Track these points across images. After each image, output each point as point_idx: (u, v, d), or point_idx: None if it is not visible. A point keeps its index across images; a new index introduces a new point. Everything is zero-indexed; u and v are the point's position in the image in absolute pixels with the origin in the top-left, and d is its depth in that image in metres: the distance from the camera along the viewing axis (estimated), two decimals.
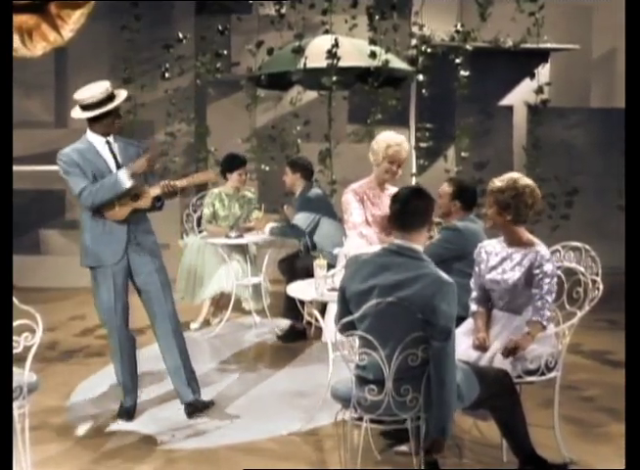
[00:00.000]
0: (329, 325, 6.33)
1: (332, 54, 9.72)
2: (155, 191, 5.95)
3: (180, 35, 11.35)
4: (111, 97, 5.94)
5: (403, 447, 5.30)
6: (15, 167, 11.54)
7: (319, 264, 5.97)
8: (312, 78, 10.13)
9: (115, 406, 6.46)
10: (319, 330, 8.19)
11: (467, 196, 6.31)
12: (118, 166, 6.00)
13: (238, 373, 7.53)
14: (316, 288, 5.97)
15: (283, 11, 10.97)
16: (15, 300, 4.62)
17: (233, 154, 9.17)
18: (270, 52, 10.75)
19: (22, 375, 4.71)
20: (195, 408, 6.32)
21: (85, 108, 5.94)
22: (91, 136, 6.06)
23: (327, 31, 10.46)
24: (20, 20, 10.81)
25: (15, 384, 4.63)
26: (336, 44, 9.73)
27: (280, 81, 10.68)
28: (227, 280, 8.61)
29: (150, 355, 7.87)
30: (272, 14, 11.15)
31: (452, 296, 4.40)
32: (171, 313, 6.26)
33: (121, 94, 6.04)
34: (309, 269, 8.09)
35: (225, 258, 8.60)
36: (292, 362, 7.80)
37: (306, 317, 8.36)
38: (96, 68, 12.63)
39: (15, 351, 4.54)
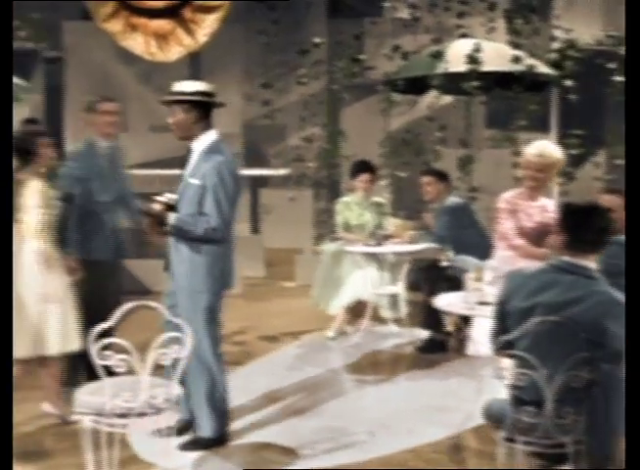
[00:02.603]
0: (475, 338, 6.12)
1: (473, 59, 9.52)
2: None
3: (317, 40, 11.26)
4: (188, 94, 5.57)
5: None
6: (150, 171, 11.76)
7: (471, 277, 5.76)
8: (450, 83, 9.94)
9: (259, 415, 6.42)
10: (460, 342, 7.98)
11: None
12: (182, 177, 5.71)
13: (375, 385, 7.37)
14: (466, 301, 5.76)
15: (418, 14, 10.85)
16: (165, 311, 4.57)
17: (360, 160, 9.06)
18: (405, 56, 10.62)
19: (170, 387, 4.65)
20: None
21: None
22: None
23: (464, 35, 10.31)
24: (156, 25, 10.96)
25: (164, 396, 4.57)
26: (477, 49, 9.52)
27: (416, 86, 10.51)
28: (364, 288, 8.48)
29: (277, 368, 7.82)
30: (405, 17, 11.03)
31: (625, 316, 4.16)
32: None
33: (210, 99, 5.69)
34: (450, 279, 7.96)
35: (363, 265, 8.47)
36: (431, 375, 7.59)
37: (447, 328, 8.17)
38: (229, 71, 12.73)
39: (164, 363, 4.51)
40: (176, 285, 5.65)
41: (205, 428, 5.78)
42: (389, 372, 7.75)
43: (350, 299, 8.58)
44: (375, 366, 7.95)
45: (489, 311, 5.17)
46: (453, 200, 8.38)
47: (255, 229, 12.52)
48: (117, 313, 4.52)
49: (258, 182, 13.19)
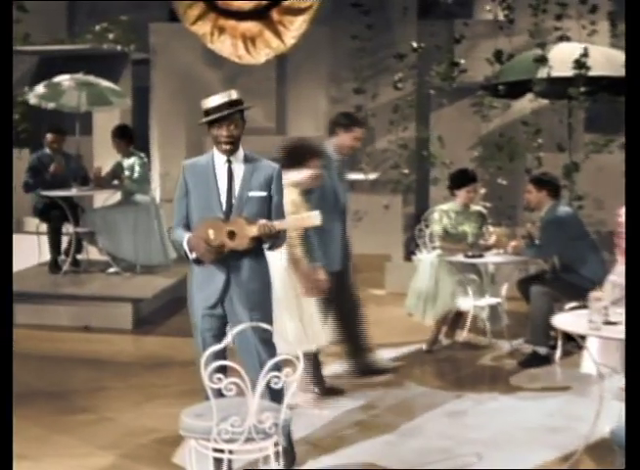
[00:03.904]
0: (591, 355, 5.82)
1: (580, 64, 9.23)
2: (252, 231, 4.99)
3: (415, 44, 11.02)
4: (231, 104, 5.10)
5: None
6: None
7: (596, 297, 5.43)
8: (551, 87, 9.64)
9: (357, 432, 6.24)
10: (567, 355, 7.73)
11: None
12: (230, 193, 5.16)
13: (476, 401, 7.03)
14: (591, 320, 5.42)
15: (512, 16, 10.60)
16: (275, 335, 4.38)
17: (463, 169, 8.78)
18: (499, 59, 10.34)
19: (278, 411, 4.43)
20: None
21: (206, 114, 5.16)
22: (215, 152, 5.24)
23: (561, 38, 10.05)
24: (243, 27, 10.80)
25: (272, 421, 4.35)
26: (585, 54, 9.23)
27: (515, 90, 10.22)
28: (463, 299, 8.20)
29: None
30: (500, 19, 10.76)
31: None
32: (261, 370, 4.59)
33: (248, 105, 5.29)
34: (553, 293, 7.66)
35: (462, 276, 8.19)
36: (536, 391, 7.26)
37: (552, 341, 7.86)
38: (315, 74, 12.54)
39: (275, 386, 4.32)
40: (240, 305, 5.16)
41: None
42: (490, 387, 7.45)
43: (448, 310, 8.29)
44: (474, 381, 7.67)
45: (617, 332, 4.90)
46: (563, 209, 8.04)
47: None
48: (229, 337, 4.35)
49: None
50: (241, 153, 5.20)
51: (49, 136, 10.69)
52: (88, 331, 9.29)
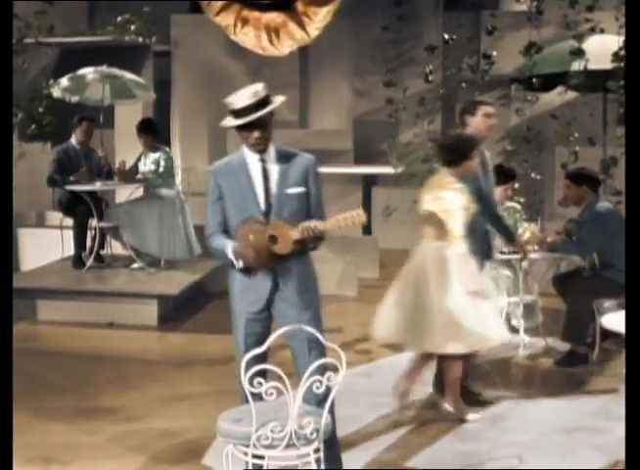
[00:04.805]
0: None
1: (619, 57, 9.07)
2: (294, 234, 4.75)
3: (447, 36, 10.85)
4: (259, 104, 4.72)
5: None
6: None
7: None
8: (586, 80, 9.48)
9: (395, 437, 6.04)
10: (604, 353, 7.59)
11: None
12: (268, 192, 4.88)
13: (513, 402, 6.81)
14: None
15: (542, 7, 10.47)
16: (321, 337, 4.20)
17: (501, 166, 8.59)
18: (529, 51, 10.18)
19: (320, 416, 4.25)
20: None
21: (233, 114, 4.81)
22: (245, 150, 4.96)
23: (593, 29, 9.95)
24: (267, 18, 10.61)
25: (313, 426, 4.17)
26: (623, 46, 9.08)
27: (549, 82, 10.03)
28: (497, 296, 8.00)
29: None
30: (531, 10, 10.62)
31: None
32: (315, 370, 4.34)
33: (276, 100, 4.81)
34: (592, 290, 7.47)
35: (495, 272, 7.99)
36: (574, 391, 7.05)
37: (589, 339, 7.68)
38: (338, 67, 12.40)
39: (317, 391, 4.16)
40: (289, 307, 4.93)
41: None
42: (526, 387, 7.28)
43: None
44: (508, 380, 7.46)
45: None
46: (602, 205, 7.81)
47: (368, 230, 12.09)
48: (271, 338, 4.19)
49: (370, 180, 12.81)
50: (272, 148, 4.92)
51: (85, 124, 10.49)
52: (113, 327, 9.15)
